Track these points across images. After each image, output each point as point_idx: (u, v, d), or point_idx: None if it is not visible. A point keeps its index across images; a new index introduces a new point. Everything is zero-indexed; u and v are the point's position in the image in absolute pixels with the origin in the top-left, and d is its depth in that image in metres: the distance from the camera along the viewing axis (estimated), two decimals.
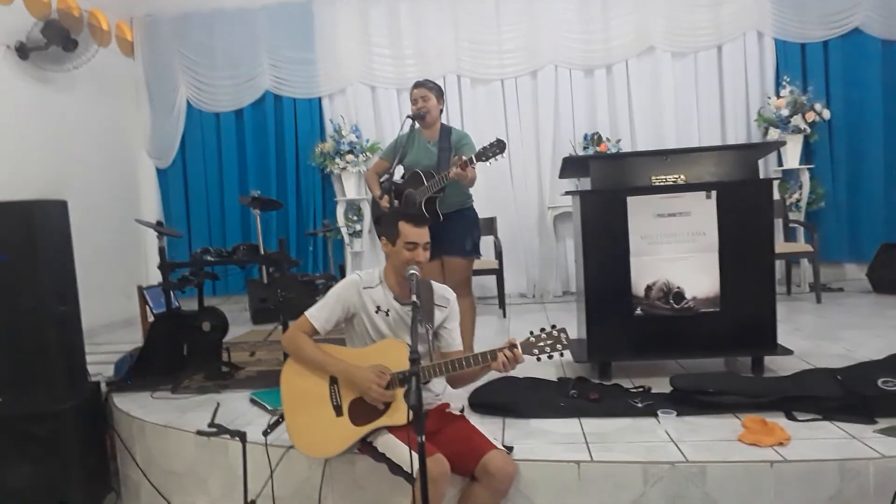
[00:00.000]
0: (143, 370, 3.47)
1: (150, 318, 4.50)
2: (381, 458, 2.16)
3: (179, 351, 3.62)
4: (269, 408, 2.90)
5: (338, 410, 2.22)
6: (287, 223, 6.33)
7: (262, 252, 3.82)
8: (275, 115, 6.39)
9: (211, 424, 2.63)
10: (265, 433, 2.40)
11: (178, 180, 6.53)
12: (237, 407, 3.05)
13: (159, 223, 4.28)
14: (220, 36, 6.34)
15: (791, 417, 2.50)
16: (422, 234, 2.27)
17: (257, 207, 3.98)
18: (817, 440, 2.28)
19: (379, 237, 2.38)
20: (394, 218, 2.32)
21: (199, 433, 2.62)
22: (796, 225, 5.58)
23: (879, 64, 5.62)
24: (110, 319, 5.49)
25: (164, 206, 6.55)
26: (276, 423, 2.42)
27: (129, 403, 3.18)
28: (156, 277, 4.37)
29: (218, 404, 2.85)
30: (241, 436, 2.27)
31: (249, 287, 5.61)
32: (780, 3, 5.68)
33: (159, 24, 6.39)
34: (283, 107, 6.39)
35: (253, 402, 3.10)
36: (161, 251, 3.64)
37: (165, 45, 6.39)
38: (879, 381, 2.48)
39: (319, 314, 2.30)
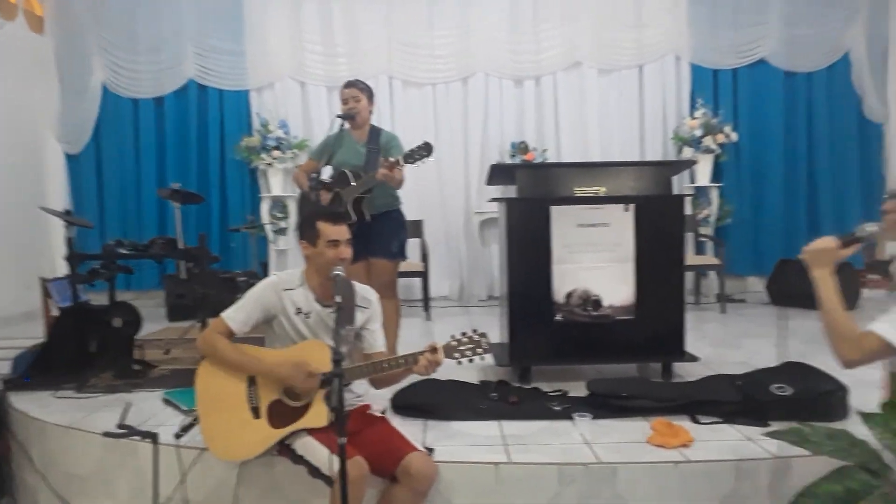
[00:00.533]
0: (44, 367, 3.26)
1: (54, 313, 4.22)
2: (299, 460, 2.13)
3: (86, 348, 3.42)
4: (184, 408, 2.79)
5: (255, 412, 2.17)
6: (209, 218, 6.11)
7: (181, 247, 3.68)
8: (198, 106, 6.17)
9: (120, 425, 2.51)
10: (177, 436, 2.31)
11: (90, 168, 6.18)
12: (149, 407, 2.92)
13: (67, 212, 4.03)
14: (141, 19, 6.06)
15: (695, 420, 2.66)
16: (342, 231, 2.25)
17: (177, 200, 3.84)
18: (717, 442, 2.44)
19: (299, 241, 2.33)
20: (311, 219, 2.28)
21: (107, 435, 2.49)
22: (705, 239, 5.94)
23: (781, 93, 6.08)
24: (7, 312, 5.11)
25: (74, 194, 6.17)
26: (190, 426, 2.34)
27: (27, 403, 2.98)
28: (61, 270, 4.11)
29: (128, 404, 2.72)
30: (153, 437, 2.17)
31: (166, 283, 5.38)
32: (696, 31, 6.03)
33: (74, 1, 6.02)
34: (209, 97, 6.18)
35: (166, 402, 2.97)
36: (69, 242, 3.43)
37: (80, 24, 6.03)
38: (773, 387, 2.68)
39: (236, 315, 2.24)
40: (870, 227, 1.70)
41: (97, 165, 6.19)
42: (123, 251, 3.46)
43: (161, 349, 4.03)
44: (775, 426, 2.52)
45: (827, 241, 1.74)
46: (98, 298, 4.10)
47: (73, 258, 3.39)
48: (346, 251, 2.26)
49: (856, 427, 1.44)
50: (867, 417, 1.03)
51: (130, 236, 5.56)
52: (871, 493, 0.98)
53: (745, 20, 6.02)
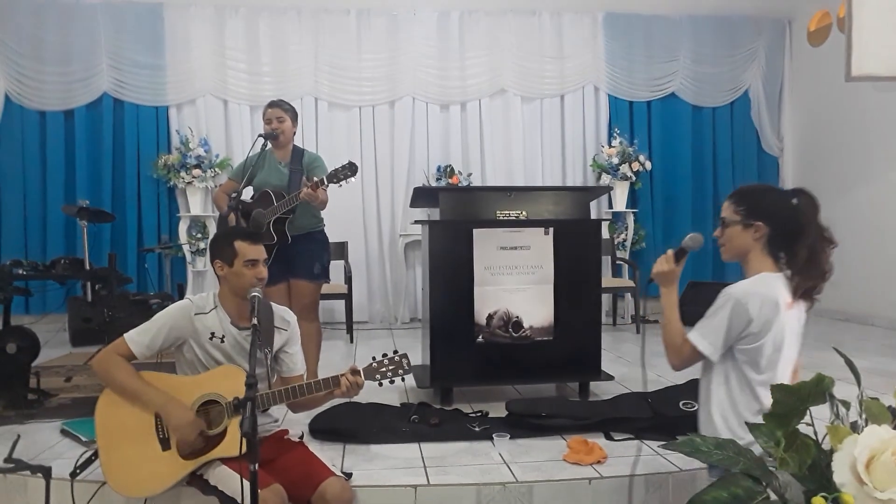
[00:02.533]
0: None
1: None
2: (210, 490, 2.03)
3: None
4: (84, 439, 2.62)
5: (164, 444, 2.04)
6: (125, 238, 5.82)
7: (88, 267, 3.48)
8: (113, 120, 5.90)
9: (7, 459, 2.31)
10: (73, 474, 2.14)
11: None
12: (44, 439, 2.72)
13: None
14: (50, 27, 5.77)
15: (609, 437, 2.75)
16: (260, 251, 2.19)
17: (84, 219, 3.63)
18: (629, 457, 2.52)
19: (212, 262, 2.25)
20: (227, 238, 2.20)
21: None
22: (622, 262, 6.19)
23: (690, 125, 6.50)
24: None
25: None
26: (88, 462, 2.17)
27: None
28: None
29: (18, 436, 2.51)
30: (45, 471, 2.01)
31: (70, 305, 5.03)
32: (612, 64, 6.36)
33: None
34: (125, 112, 5.93)
35: (64, 433, 2.78)
36: None
37: None
38: (681, 403, 2.81)
39: (141, 339, 2.12)
40: (692, 239, 1.97)
41: None
42: (21, 272, 3.24)
43: (62, 376, 3.80)
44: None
45: (666, 263, 1.99)
46: None
47: None
48: (264, 271, 2.20)
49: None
50: (753, 427, 1.11)
51: (34, 257, 5.25)
52: (756, 498, 1.05)
53: (657, 56, 6.40)
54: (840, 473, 1.05)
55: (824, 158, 6.23)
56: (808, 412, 1.14)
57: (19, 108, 5.77)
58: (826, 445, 1.16)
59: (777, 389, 1.13)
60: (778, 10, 6.52)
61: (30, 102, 5.77)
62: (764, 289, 1.82)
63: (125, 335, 2.13)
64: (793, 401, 1.11)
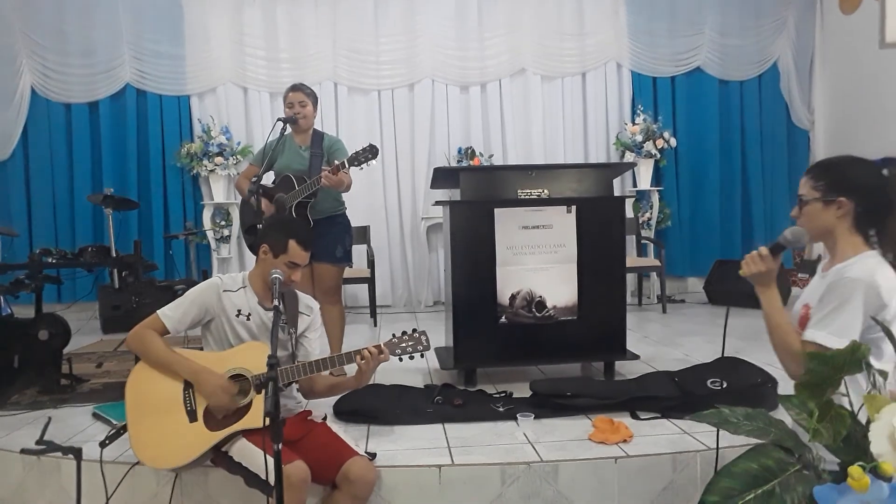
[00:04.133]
0: None
1: None
2: (236, 469, 2.06)
3: (9, 363, 3.23)
4: (115, 422, 2.67)
5: (192, 416, 2.10)
6: (151, 226, 5.90)
7: (115, 255, 3.53)
8: (137, 111, 5.95)
9: (39, 441, 2.37)
10: (103, 444, 2.19)
11: (18, 174, 5.86)
12: (77, 423, 2.78)
13: None
14: (72, 20, 5.81)
15: (635, 416, 2.71)
16: (305, 258, 2.26)
17: (110, 206, 3.67)
18: (656, 436, 2.49)
19: (259, 243, 2.29)
20: (285, 232, 2.25)
21: (24, 451, 2.34)
22: (647, 241, 6.09)
23: (717, 100, 6.31)
24: None
25: (1, 202, 5.85)
26: (118, 433, 2.22)
27: None
28: None
29: (49, 419, 2.57)
30: (76, 452, 2.05)
31: (100, 293, 5.16)
32: (635, 40, 6.20)
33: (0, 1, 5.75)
34: (148, 102, 5.96)
35: (96, 416, 2.84)
36: None
37: (6, 25, 5.74)
38: (708, 382, 2.76)
39: (173, 314, 2.19)
40: (793, 234, 1.75)
41: (25, 172, 5.88)
42: (50, 260, 3.30)
43: (93, 362, 3.88)
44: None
45: (761, 262, 1.71)
46: (25, 311, 3.90)
47: None
48: (299, 275, 2.27)
49: (786, 417, 1.49)
50: (784, 399, 1.07)
51: (63, 245, 5.35)
52: (787, 470, 1.01)
53: (681, 30, 6.23)
54: (878, 444, 1.01)
55: (857, 131, 6.01)
56: (843, 382, 1.09)
57: (45, 101, 5.85)
58: (862, 417, 1.12)
59: (810, 358, 1.08)
60: None
61: (55, 95, 5.85)
62: (885, 270, 1.61)
63: (158, 311, 2.21)
64: (827, 370, 1.06)
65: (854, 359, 1.09)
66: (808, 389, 1.04)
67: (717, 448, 1.89)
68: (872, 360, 1.42)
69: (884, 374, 1.16)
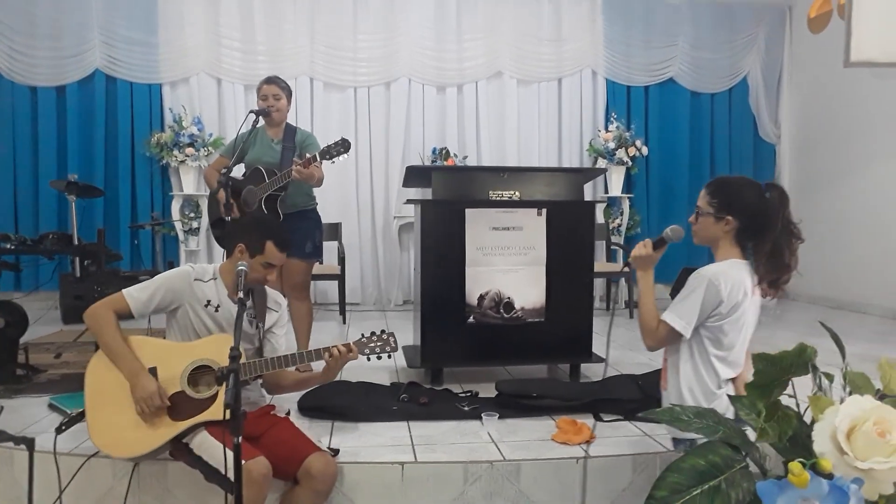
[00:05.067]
0: None
1: None
2: (195, 462, 2.03)
3: None
4: (70, 412, 2.61)
5: None
6: (118, 215, 5.77)
7: (77, 242, 3.45)
8: (106, 97, 5.83)
9: None
10: (58, 430, 2.14)
11: None
12: (31, 413, 2.71)
13: None
14: (42, 3, 5.67)
15: (598, 418, 2.75)
16: (282, 259, 2.23)
17: (73, 193, 3.59)
18: (617, 438, 2.53)
19: (235, 241, 2.24)
20: (263, 232, 2.21)
21: None
22: (616, 247, 6.18)
23: (688, 111, 6.45)
24: None
25: None
26: (75, 420, 2.16)
27: None
28: None
29: (1, 408, 2.50)
30: (28, 443, 2.00)
31: (61, 282, 5.03)
32: (611, 49, 6.30)
33: None
34: (118, 89, 5.84)
35: (52, 407, 2.77)
36: None
37: None
38: None
39: (139, 295, 2.14)
40: (672, 231, 2.07)
41: None
42: (8, 246, 3.21)
43: (51, 352, 3.78)
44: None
45: (643, 248, 2.09)
46: None
47: None
48: (274, 276, 2.25)
49: None
50: (735, 399, 1.10)
51: (25, 231, 5.21)
52: (733, 466, 1.04)
53: (656, 41, 6.34)
54: (820, 443, 1.05)
55: (821, 146, 6.21)
56: (790, 384, 1.13)
57: (10, 83, 5.69)
58: (807, 418, 1.16)
59: (759, 359, 1.12)
60: None
61: (21, 78, 5.69)
62: (734, 273, 1.94)
63: (124, 290, 2.15)
64: (775, 371, 1.11)
65: (801, 361, 1.13)
66: (757, 390, 1.08)
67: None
68: (712, 346, 1.93)
69: (829, 376, 1.21)
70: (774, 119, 6.59)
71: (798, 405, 1.18)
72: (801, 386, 1.29)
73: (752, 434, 1.05)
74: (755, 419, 1.06)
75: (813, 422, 1.10)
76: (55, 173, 5.67)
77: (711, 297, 1.92)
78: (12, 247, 3.23)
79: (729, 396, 1.15)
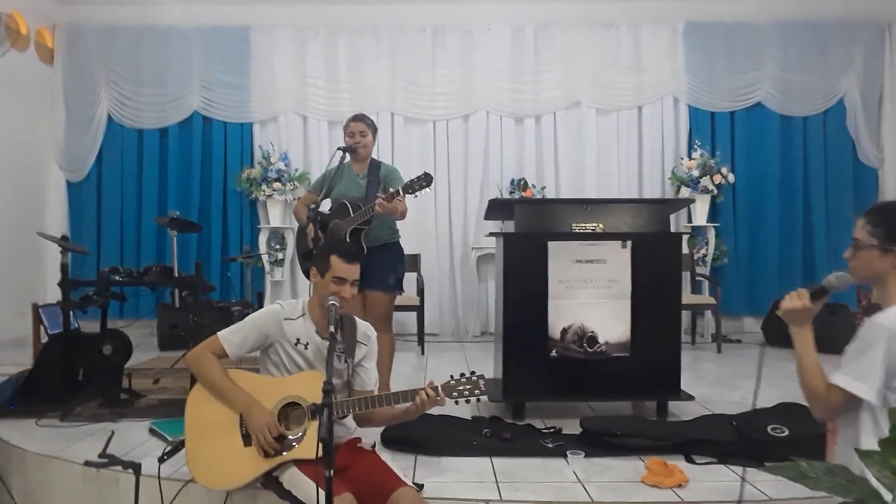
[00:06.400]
0: (29, 394, 3.22)
1: (45, 339, 4.18)
2: (285, 494, 2.08)
3: (74, 375, 3.38)
4: (170, 438, 2.74)
5: (247, 440, 2.13)
6: (210, 248, 6.11)
7: (177, 275, 3.66)
8: (202, 137, 6.24)
9: (102, 455, 2.45)
10: (161, 459, 2.25)
11: (90, 196, 6.22)
12: (134, 437, 2.87)
13: (64, 238, 4.02)
14: (148, 52, 6.17)
15: (690, 460, 2.61)
16: (351, 271, 2.24)
17: (174, 229, 3.83)
18: (713, 482, 2.39)
19: (310, 268, 2.35)
20: (327, 250, 2.29)
21: (88, 464, 2.43)
22: (702, 278, 5.93)
23: (777, 136, 6.15)
24: None
25: (73, 221, 6.20)
26: (175, 450, 2.28)
27: (9, 431, 2.93)
28: (55, 296, 4.08)
29: (112, 433, 2.67)
30: (135, 468, 2.12)
31: (160, 311, 5.35)
32: (693, 75, 6.14)
33: (84, 34, 6.16)
34: (213, 129, 6.25)
35: (152, 432, 2.92)
36: (63, 268, 3.42)
37: (88, 56, 6.15)
38: (769, 428, 2.64)
39: (233, 338, 2.23)
40: (838, 279, 1.72)
41: (98, 194, 6.23)
42: (117, 278, 3.45)
43: (150, 378, 4.00)
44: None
45: (800, 300, 1.71)
46: (90, 326, 4.08)
47: (65, 284, 3.38)
48: (349, 291, 2.24)
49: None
50: (864, 455, 1.00)
51: (129, 264, 5.59)
52: None
53: (740, 65, 6.13)
54: None
55: None
56: None
57: (120, 126, 6.20)
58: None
59: (893, 413, 1.02)
60: (875, 13, 6.12)
61: (129, 122, 6.19)
62: None
63: (218, 333, 2.25)
64: None
65: None
66: (892, 445, 0.98)
67: None
68: None
69: None
70: (876, 142, 6.18)
71: None
72: None
73: (886, 494, 0.96)
74: (890, 477, 0.96)
75: None
76: (156, 209, 6.08)
77: (895, 350, 1.57)
78: (121, 279, 3.47)
79: (857, 451, 1.04)
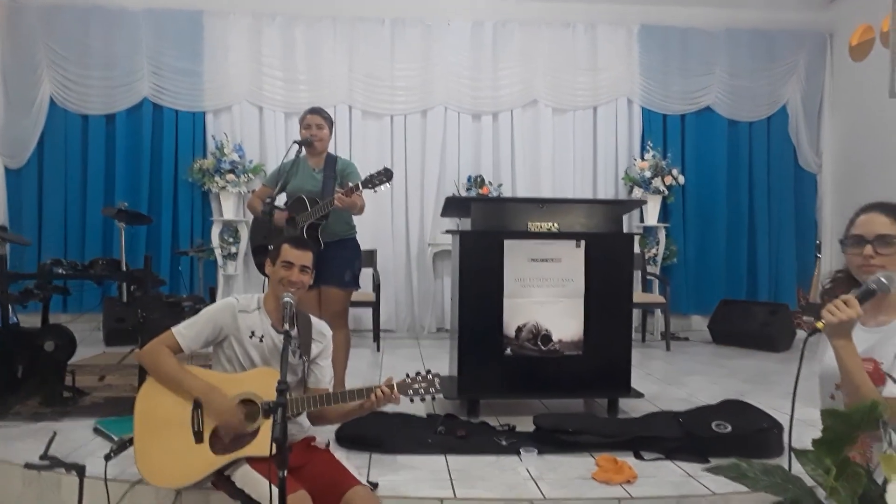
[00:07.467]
0: None
1: None
2: (237, 494, 2.05)
3: (14, 372, 3.23)
4: (116, 438, 2.66)
5: (198, 437, 2.09)
6: (160, 241, 5.93)
7: (125, 269, 3.54)
8: (153, 125, 6.03)
9: (43, 456, 2.36)
10: (107, 457, 2.18)
11: (31, 183, 5.94)
12: (78, 437, 2.77)
13: (2, 227, 3.83)
14: (95, 33, 5.92)
15: (639, 457, 2.69)
16: (299, 257, 2.25)
17: (123, 220, 3.70)
18: (660, 478, 2.47)
19: (264, 261, 2.41)
20: (280, 240, 2.34)
21: (28, 466, 2.34)
22: (652, 277, 6.09)
23: (725, 140, 6.37)
24: None
25: (12, 210, 5.91)
26: (123, 447, 2.21)
27: None
28: None
29: (54, 433, 2.57)
30: (79, 469, 2.04)
31: (106, 305, 5.16)
32: (647, 77, 6.29)
33: (25, 12, 5.87)
34: (164, 117, 6.03)
35: (97, 431, 2.83)
36: (1, 259, 3.26)
37: (30, 36, 5.86)
38: (713, 424, 2.74)
39: (187, 332, 2.19)
40: (889, 279, 1.53)
41: (39, 182, 5.95)
42: (60, 271, 3.31)
43: (95, 375, 3.86)
44: (715, 462, 2.57)
45: (852, 309, 1.46)
46: (31, 320, 3.90)
47: (4, 277, 3.22)
48: (298, 276, 2.24)
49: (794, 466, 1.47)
50: (800, 454, 1.06)
51: (72, 256, 5.37)
52: None
53: (692, 69, 6.31)
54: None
55: (864, 176, 6.05)
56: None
57: (63, 111, 5.93)
58: (878, 476, 1.11)
59: (827, 415, 1.08)
60: (819, 23, 6.38)
61: (74, 106, 5.93)
62: None
63: (172, 328, 2.21)
64: (844, 427, 1.07)
65: (871, 417, 1.09)
66: (825, 446, 1.04)
67: None
68: None
69: None
70: (815, 148, 6.47)
71: (868, 463, 1.14)
72: None
73: (821, 492, 1.01)
74: (824, 477, 1.01)
75: (885, 481, 1.05)
76: (103, 199, 5.85)
77: None
78: (65, 272, 3.33)
79: (794, 451, 1.08)
